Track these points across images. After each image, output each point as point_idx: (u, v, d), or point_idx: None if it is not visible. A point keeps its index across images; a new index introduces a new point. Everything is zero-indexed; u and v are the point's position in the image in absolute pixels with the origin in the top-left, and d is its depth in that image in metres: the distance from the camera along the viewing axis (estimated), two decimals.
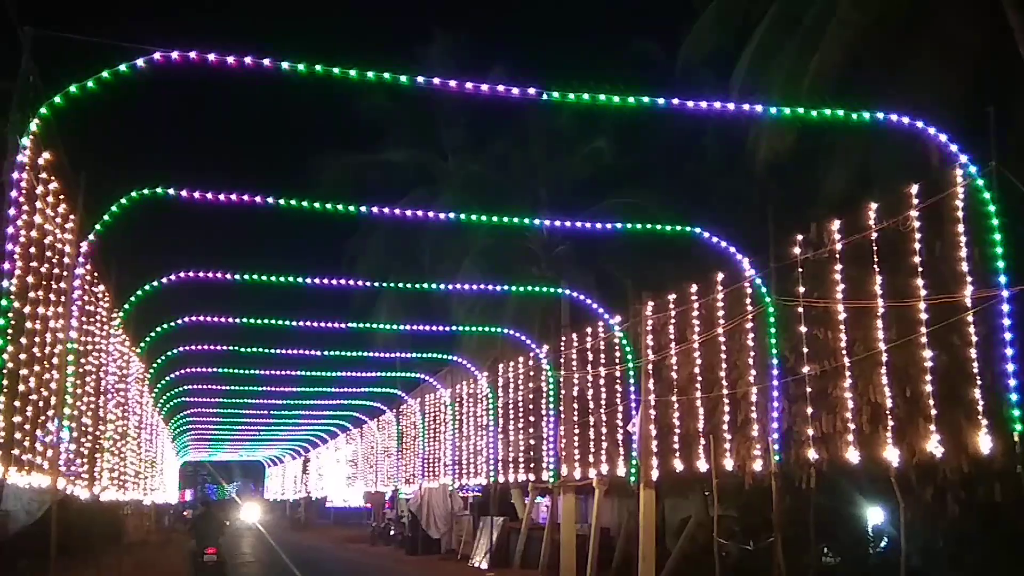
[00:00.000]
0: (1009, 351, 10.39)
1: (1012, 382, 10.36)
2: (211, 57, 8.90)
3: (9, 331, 10.69)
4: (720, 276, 16.01)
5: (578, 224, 17.95)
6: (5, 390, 11.29)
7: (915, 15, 15.75)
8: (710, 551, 16.15)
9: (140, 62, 8.71)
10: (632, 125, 24.43)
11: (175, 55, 8.84)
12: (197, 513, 27.59)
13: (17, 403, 12.16)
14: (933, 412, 11.48)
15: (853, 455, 12.62)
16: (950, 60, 15.15)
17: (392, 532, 38.20)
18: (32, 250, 12.00)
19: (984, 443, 10.90)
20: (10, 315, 10.61)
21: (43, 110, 9.64)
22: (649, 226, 16.56)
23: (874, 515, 16.45)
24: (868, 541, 16.85)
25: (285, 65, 8.96)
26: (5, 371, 10.93)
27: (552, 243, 29.21)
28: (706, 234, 15.22)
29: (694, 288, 16.88)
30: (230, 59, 8.93)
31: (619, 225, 16.41)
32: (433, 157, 33.71)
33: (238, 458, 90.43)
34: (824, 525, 15.95)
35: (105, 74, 8.76)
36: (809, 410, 13.46)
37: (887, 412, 12.16)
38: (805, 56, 16.21)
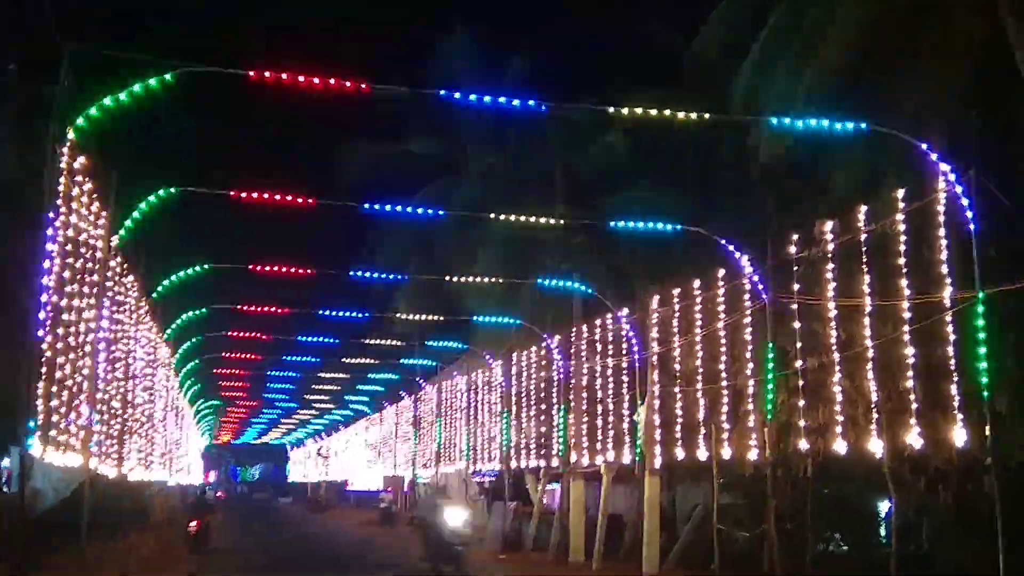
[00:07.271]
0: (983, 350, 10.88)
1: (985, 380, 10.86)
2: (237, 71, 9.62)
3: (48, 323, 11.49)
4: (722, 272, 16.53)
5: (580, 222, 18.49)
6: (44, 377, 12.11)
7: (916, 13, 15.74)
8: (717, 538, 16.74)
9: (168, 77, 9.42)
10: (645, 119, 24.71)
11: (199, 70, 9.57)
12: (194, 499, 28.11)
13: (54, 388, 13.00)
14: (915, 406, 12.02)
15: (843, 447, 13.20)
16: (951, 59, 15.21)
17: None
18: (68, 247, 12.80)
19: (959, 437, 11.44)
20: (49, 308, 11.40)
21: (79, 120, 10.37)
22: (651, 225, 17.08)
23: (886, 506, 16.94)
24: (877, 530, 17.37)
25: (300, 79, 9.65)
26: (44, 360, 11.74)
27: (567, 235, 29.64)
28: (705, 233, 15.77)
29: (697, 284, 17.42)
30: (250, 73, 9.67)
31: (622, 223, 16.96)
32: (453, 148, 34.17)
33: (261, 441, 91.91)
34: (835, 514, 16.46)
35: (136, 88, 9.48)
36: (802, 403, 14.04)
37: (874, 406, 12.71)
38: (805, 60, 16.53)
